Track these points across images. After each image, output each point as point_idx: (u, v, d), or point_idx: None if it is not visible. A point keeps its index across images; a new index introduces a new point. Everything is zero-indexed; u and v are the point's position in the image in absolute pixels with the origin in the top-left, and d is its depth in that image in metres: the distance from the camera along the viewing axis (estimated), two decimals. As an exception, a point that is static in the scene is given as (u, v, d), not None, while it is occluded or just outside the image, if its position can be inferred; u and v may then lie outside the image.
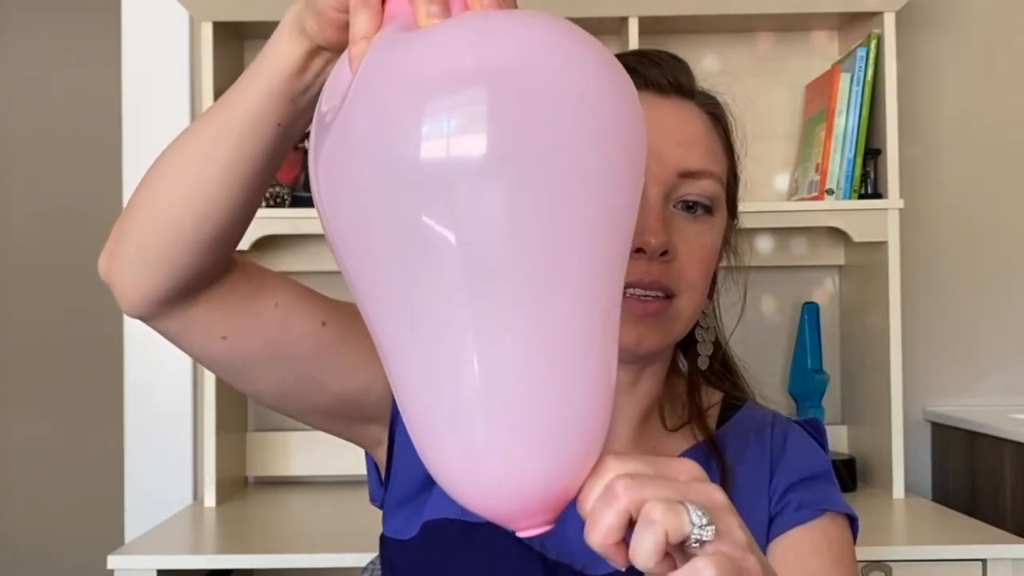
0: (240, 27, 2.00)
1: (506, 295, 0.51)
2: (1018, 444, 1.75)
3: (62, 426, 3.03)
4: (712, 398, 0.96)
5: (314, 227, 1.89)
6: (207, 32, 1.87)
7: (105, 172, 2.44)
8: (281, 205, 1.87)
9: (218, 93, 1.88)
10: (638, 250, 0.84)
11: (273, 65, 0.67)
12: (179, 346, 0.80)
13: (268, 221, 1.85)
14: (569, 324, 0.52)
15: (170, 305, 0.75)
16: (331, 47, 0.65)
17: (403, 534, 0.89)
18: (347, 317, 0.83)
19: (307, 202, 1.94)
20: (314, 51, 0.65)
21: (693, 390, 0.95)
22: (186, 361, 2.01)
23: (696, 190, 0.87)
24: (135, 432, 2.01)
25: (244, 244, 1.86)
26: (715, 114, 0.92)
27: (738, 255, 0.99)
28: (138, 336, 2.00)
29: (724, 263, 0.96)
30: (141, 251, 0.72)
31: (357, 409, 0.86)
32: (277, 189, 1.87)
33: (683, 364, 0.98)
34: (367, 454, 0.94)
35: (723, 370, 0.99)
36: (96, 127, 2.84)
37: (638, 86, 0.89)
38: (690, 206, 0.87)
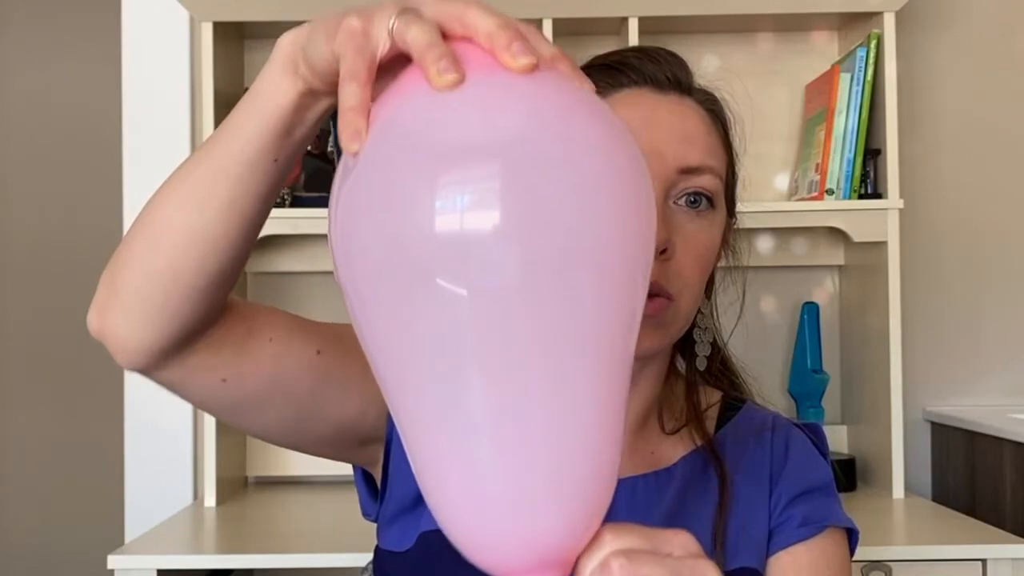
0: (240, 27, 2.00)
1: (519, 357, 0.52)
2: (1018, 444, 1.75)
3: (62, 426, 3.03)
4: (711, 398, 0.96)
5: (314, 227, 1.89)
6: (207, 32, 1.87)
7: (105, 172, 2.44)
8: (281, 205, 1.87)
9: (218, 93, 1.88)
10: None
11: (269, 103, 0.64)
12: (179, 394, 0.78)
13: (268, 221, 1.82)
14: (582, 382, 0.53)
15: (169, 355, 0.73)
16: (326, 91, 0.63)
17: (399, 546, 0.88)
18: (339, 342, 0.82)
19: (307, 202, 1.94)
20: (309, 92, 0.63)
21: (691, 391, 0.94)
22: (186, 361, 2.01)
23: (696, 184, 0.86)
24: (135, 432, 2.01)
25: (244, 244, 1.85)
26: (714, 110, 0.91)
27: (736, 255, 0.98)
28: (138, 336, 2.00)
29: (723, 263, 0.96)
30: (137, 301, 0.70)
31: (356, 432, 0.85)
32: (277, 189, 1.87)
33: (681, 365, 0.97)
34: (356, 470, 0.94)
35: (722, 370, 0.98)
36: (96, 127, 2.85)
37: (636, 82, 0.88)
38: (693, 200, 0.86)
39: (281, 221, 1.86)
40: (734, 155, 0.94)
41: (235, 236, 0.69)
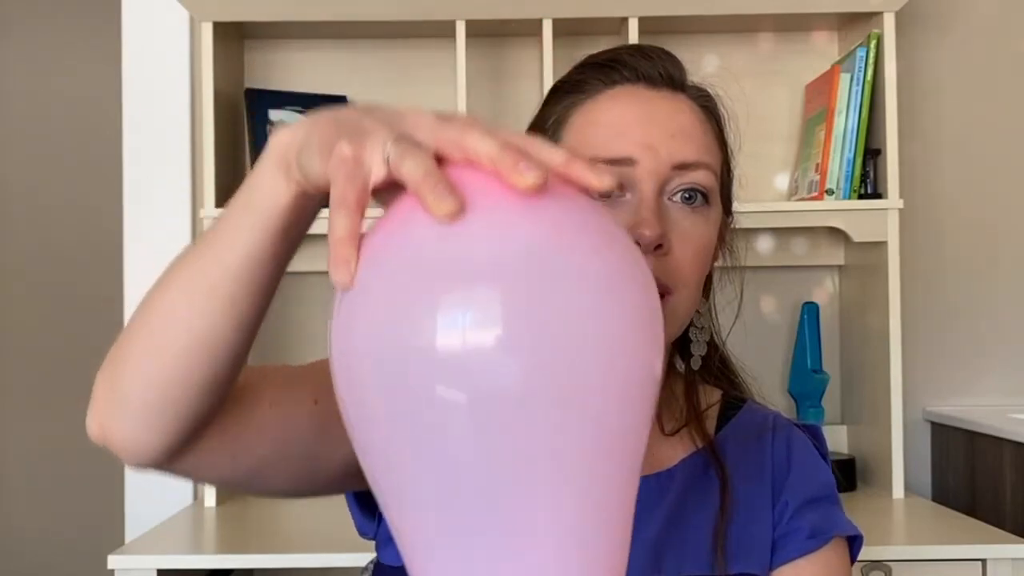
0: (240, 27, 2.00)
1: (521, 472, 0.51)
2: (1018, 444, 1.75)
3: (62, 426, 3.02)
4: (711, 398, 0.95)
5: (313, 227, 1.88)
6: (207, 32, 1.87)
7: (105, 173, 2.44)
8: (281, 205, 1.87)
9: (218, 93, 1.88)
10: None
11: (265, 201, 0.63)
12: (190, 479, 0.76)
13: (268, 221, 1.85)
14: (588, 495, 0.53)
15: (177, 452, 0.71)
16: (322, 195, 0.60)
17: (398, 560, 0.89)
18: (330, 382, 0.82)
19: (307, 202, 1.94)
20: (304, 195, 0.62)
21: (690, 391, 0.93)
22: (186, 361, 2.01)
23: (691, 180, 0.86)
24: (135, 432, 2.00)
25: (244, 244, 1.85)
26: (707, 107, 0.91)
27: (734, 253, 0.98)
28: (138, 336, 2.00)
29: (720, 262, 0.96)
30: (140, 407, 0.68)
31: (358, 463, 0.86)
32: (277, 189, 1.87)
33: (680, 365, 0.97)
34: (347, 494, 0.93)
35: (721, 369, 0.98)
36: (96, 127, 2.84)
37: (629, 79, 0.88)
38: (688, 196, 0.86)
39: (281, 221, 1.86)
40: (729, 152, 0.94)
41: (237, 332, 0.66)
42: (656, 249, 0.83)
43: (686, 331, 0.91)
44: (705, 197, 0.87)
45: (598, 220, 0.54)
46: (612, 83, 0.89)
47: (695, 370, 0.94)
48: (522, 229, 0.51)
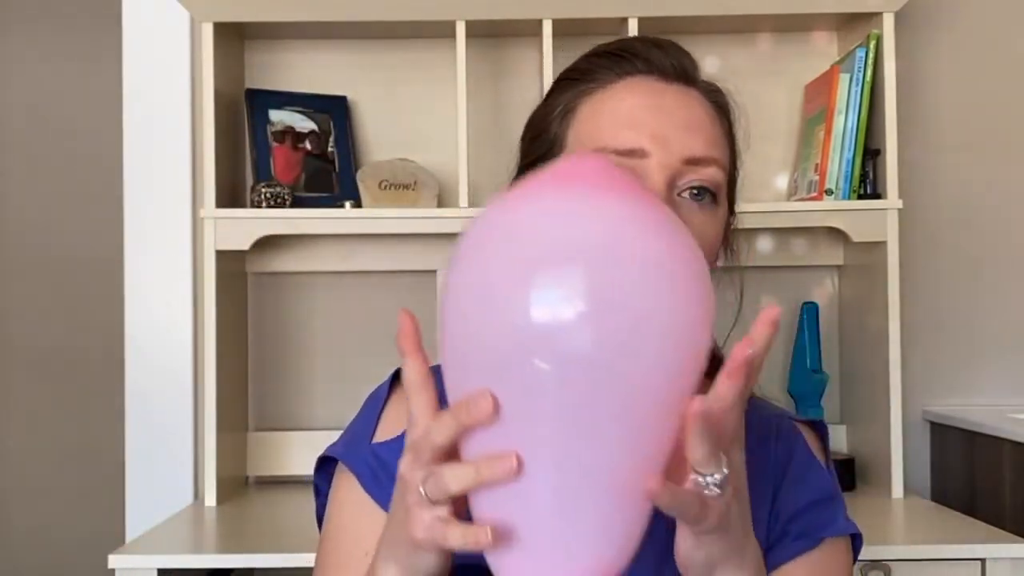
0: (240, 27, 2.00)
1: (591, 429, 0.61)
2: (1017, 444, 1.75)
3: (62, 426, 3.03)
4: None
5: (314, 227, 1.89)
6: (207, 32, 1.88)
7: (106, 173, 2.44)
8: (281, 205, 1.87)
9: (218, 93, 1.88)
10: None
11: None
12: None
13: (268, 221, 1.85)
14: (634, 453, 0.63)
15: None
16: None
17: None
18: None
19: (307, 202, 1.94)
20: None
21: None
22: (186, 361, 2.01)
23: (701, 176, 0.84)
24: (135, 432, 2.01)
25: (244, 244, 1.86)
26: (718, 102, 0.90)
27: (735, 252, 0.96)
28: (138, 336, 2.00)
29: (720, 261, 0.95)
30: None
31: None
32: (277, 189, 1.87)
33: None
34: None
35: (718, 367, 0.97)
36: (97, 128, 2.84)
37: (641, 70, 0.87)
38: (697, 193, 0.84)
39: (281, 221, 1.86)
40: (737, 151, 0.93)
41: None
42: None
43: None
44: (714, 196, 0.85)
45: (662, 216, 0.66)
46: (624, 73, 0.87)
47: None
48: (599, 223, 0.62)
